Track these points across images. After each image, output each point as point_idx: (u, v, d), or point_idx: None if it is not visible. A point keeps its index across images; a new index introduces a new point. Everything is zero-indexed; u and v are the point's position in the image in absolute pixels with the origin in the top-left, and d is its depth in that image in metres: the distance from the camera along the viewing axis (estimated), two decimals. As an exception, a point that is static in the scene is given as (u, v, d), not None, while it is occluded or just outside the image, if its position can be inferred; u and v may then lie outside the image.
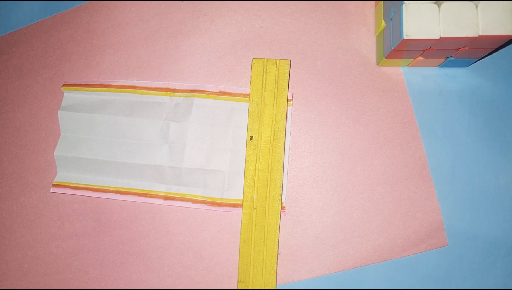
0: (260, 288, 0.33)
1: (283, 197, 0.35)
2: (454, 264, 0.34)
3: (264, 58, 0.36)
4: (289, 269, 0.34)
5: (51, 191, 0.37)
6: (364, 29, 0.37)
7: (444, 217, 0.34)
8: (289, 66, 0.36)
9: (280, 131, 0.35)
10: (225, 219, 0.35)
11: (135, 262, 0.36)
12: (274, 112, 0.35)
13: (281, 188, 0.34)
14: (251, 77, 0.36)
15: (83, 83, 0.38)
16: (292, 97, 0.36)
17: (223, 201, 0.35)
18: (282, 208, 0.35)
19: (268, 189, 0.34)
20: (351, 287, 0.34)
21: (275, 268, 0.33)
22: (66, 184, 0.37)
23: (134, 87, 0.37)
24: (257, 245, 0.33)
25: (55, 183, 0.37)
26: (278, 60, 0.36)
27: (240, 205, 0.35)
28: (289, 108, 0.36)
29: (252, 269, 0.33)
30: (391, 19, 0.32)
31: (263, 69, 0.36)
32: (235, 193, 0.35)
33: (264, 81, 0.35)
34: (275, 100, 0.35)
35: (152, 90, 0.37)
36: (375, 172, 0.35)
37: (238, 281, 0.33)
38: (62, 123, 0.38)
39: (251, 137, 0.35)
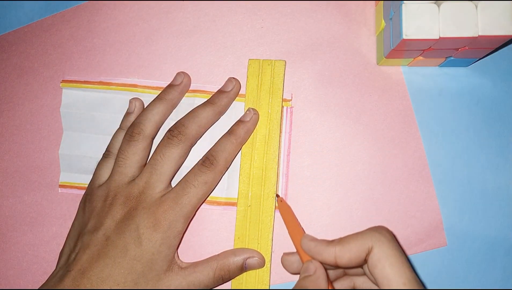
0: (254, 287, 0.33)
1: (281, 196, 0.35)
2: (453, 264, 0.34)
3: (260, 59, 0.36)
4: (288, 268, 0.34)
5: (59, 192, 0.37)
6: (364, 28, 0.37)
7: (443, 216, 0.35)
8: (284, 66, 0.36)
9: (275, 130, 0.35)
10: (225, 218, 0.35)
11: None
12: (269, 111, 0.35)
13: (275, 186, 0.34)
14: (247, 77, 0.36)
15: (83, 80, 0.38)
16: (292, 97, 0.36)
17: (223, 200, 0.35)
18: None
19: (263, 187, 0.34)
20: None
21: (269, 266, 0.33)
22: (73, 185, 0.37)
23: (135, 86, 0.37)
24: (251, 243, 0.33)
25: (61, 184, 0.37)
26: (273, 60, 0.36)
27: (240, 204, 0.35)
28: (289, 108, 0.36)
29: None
30: (391, 19, 0.32)
31: (259, 70, 0.36)
32: (235, 192, 0.35)
33: (259, 81, 0.35)
34: (270, 100, 0.35)
35: (153, 89, 0.37)
36: (374, 171, 0.35)
37: (232, 279, 0.33)
38: (65, 121, 0.38)
39: None
